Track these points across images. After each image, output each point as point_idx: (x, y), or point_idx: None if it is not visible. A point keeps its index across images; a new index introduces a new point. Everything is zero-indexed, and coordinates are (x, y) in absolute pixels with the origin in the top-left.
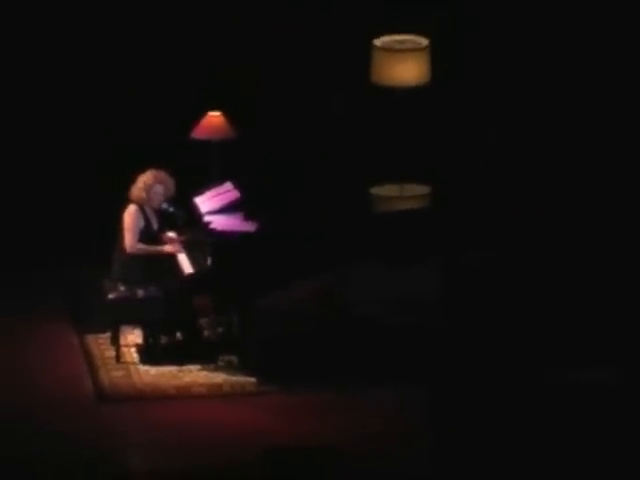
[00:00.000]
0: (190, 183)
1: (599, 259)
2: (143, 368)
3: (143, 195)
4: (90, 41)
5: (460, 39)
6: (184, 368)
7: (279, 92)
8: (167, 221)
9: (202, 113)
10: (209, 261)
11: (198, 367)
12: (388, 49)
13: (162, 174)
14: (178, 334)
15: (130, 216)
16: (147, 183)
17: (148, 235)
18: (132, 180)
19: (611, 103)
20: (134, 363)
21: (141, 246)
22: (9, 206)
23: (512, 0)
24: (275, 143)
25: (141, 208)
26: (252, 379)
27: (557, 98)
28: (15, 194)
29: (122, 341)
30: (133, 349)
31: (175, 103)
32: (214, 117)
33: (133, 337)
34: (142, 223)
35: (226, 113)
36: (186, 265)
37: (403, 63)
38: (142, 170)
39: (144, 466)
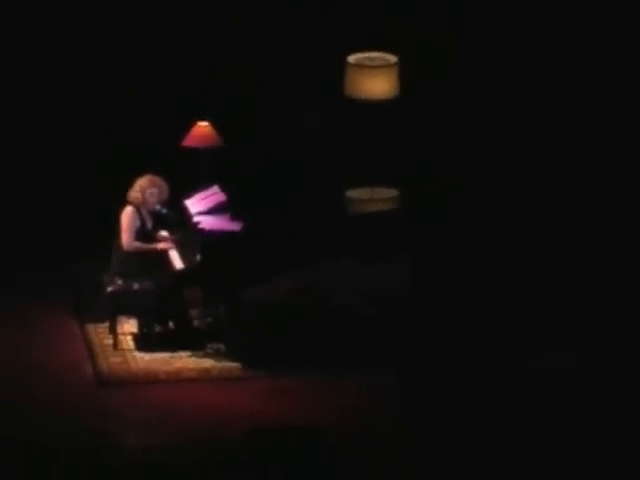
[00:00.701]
0: (181, 187)
1: (556, 251)
2: (138, 354)
3: (139, 197)
4: (91, 47)
5: (427, 57)
6: (175, 355)
7: (263, 105)
8: (160, 221)
9: (192, 123)
10: (198, 257)
11: (188, 354)
12: (360, 65)
13: (157, 179)
14: (170, 324)
15: (127, 217)
16: (143, 187)
17: (143, 234)
18: (129, 183)
19: (583, 110)
20: (130, 350)
21: (137, 244)
22: (15, 206)
23: (475, 23)
24: (259, 151)
25: (137, 209)
26: (238, 364)
27: (515, 108)
28: (21, 196)
29: (119, 330)
30: (129, 337)
31: (168, 114)
32: (202, 127)
33: (129, 326)
34: (138, 223)
35: (213, 123)
36: (177, 261)
37: (374, 78)
38: (139, 175)
39: (138, 443)
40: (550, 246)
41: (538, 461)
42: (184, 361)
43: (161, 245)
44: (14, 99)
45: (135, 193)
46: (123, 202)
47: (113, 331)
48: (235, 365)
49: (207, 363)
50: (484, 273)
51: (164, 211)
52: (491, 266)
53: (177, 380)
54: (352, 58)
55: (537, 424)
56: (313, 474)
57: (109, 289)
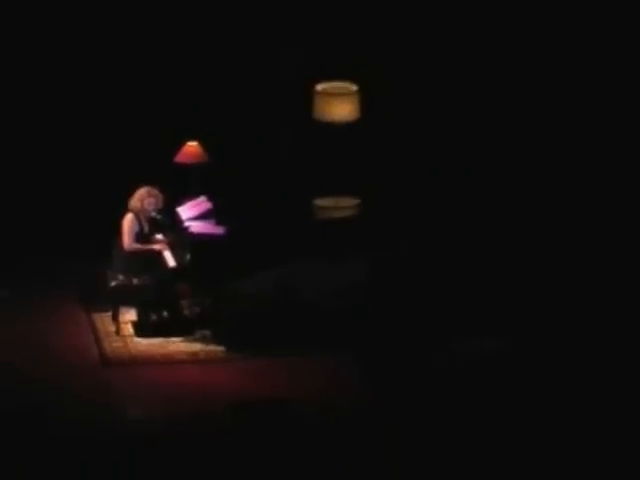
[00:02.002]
0: (174, 197)
1: (490, 241)
2: (137, 339)
3: (139, 205)
4: (102, 78)
5: (383, 85)
6: (169, 340)
7: (244, 127)
8: (156, 226)
9: (183, 143)
10: (188, 257)
11: (179, 339)
12: (326, 93)
13: (154, 190)
14: (164, 313)
15: (128, 222)
16: (142, 196)
17: (141, 237)
18: (130, 194)
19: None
20: (130, 336)
21: (136, 245)
22: (33, 215)
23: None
24: (241, 167)
25: (136, 216)
26: (222, 348)
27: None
28: (37, 206)
29: (121, 319)
30: (129, 325)
31: (163, 136)
32: (191, 146)
33: (129, 315)
34: (137, 228)
35: (201, 143)
36: (170, 260)
37: (338, 104)
38: (138, 186)
39: (136, 414)
40: (486, 236)
41: (473, 435)
42: (176, 345)
43: (156, 246)
44: (30, 112)
45: (135, 202)
46: (123, 210)
47: (115, 319)
48: (219, 348)
49: (195, 347)
50: (428, 267)
51: (159, 217)
52: (434, 261)
53: (170, 362)
54: (319, 86)
55: (474, 400)
56: (283, 439)
57: (112, 283)
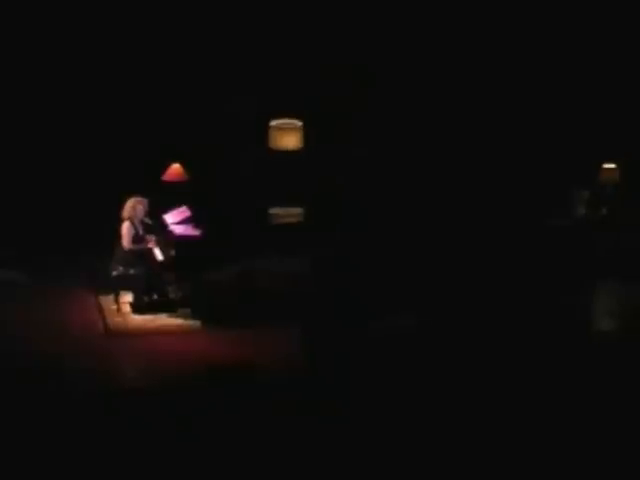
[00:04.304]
0: (161, 206)
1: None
2: (133, 316)
3: (132, 212)
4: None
5: (320, 122)
6: (157, 316)
7: (216, 153)
8: (147, 229)
9: (168, 164)
10: (173, 252)
11: (166, 315)
12: (278, 127)
13: (142, 199)
14: (154, 296)
15: (126, 228)
16: (134, 204)
17: (136, 237)
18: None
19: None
20: (128, 313)
21: (132, 245)
22: (52, 220)
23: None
24: (213, 184)
25: (132, 222)
26: (199, 323)
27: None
28: (56, 214)
29: (120, 300)
30: (127, 305)
31: (154, 159)
32: (175, 167)
33: (127, 297)
34: (133, 231)
35: (183, 164)
36: (159, 255)
37: (287, 136)
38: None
39: (132, 374)
40: (397, 223)
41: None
42: (163, 320)
43: (148, 244)
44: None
45: (129, 210)
46: (120, 218)
47: (116, 301)
48: (197, 323)
49: (178, 321)
50: (356, 261)
51: (149, 221)
52: (361, 256)
53: (158, 333)
54: (273, 122)
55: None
56: (251, 397)
57: (114, 273)
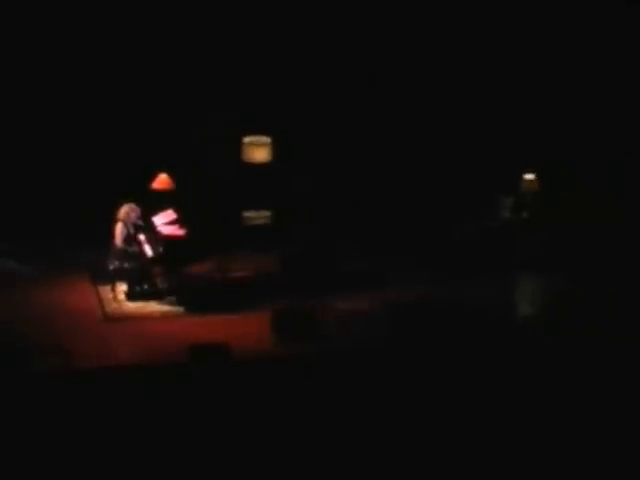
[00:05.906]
0: (151, 211)
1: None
2: (127, 303)
3: (126, 217)
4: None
5: (287, 139)
6: (148, 303)
7: (196, 166)
8: (138, 229)
9: (157, 174)
10: (160, 249)
11: (155, 303)
12: (250, 143)
13: (134, 205)
14: (145, 286)
15: (119, 229)
16: (127, 209)
17: (128, 237)
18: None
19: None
20: (123, 301)
21: (123, 244)
22: (57, 220)
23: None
24: (195, 191)
25: (125, 224)
26: (182, 309)
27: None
28: (60, 214)
29: (117, 289)
30: (122, 294)
31: (146, 168)
32: (163, 177)
33: (122, 287)
34: (125, 232)
35: (170, 174)
36: (149, 251)
37: (257, 150)
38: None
39: (125, 353)
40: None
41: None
42: (153, 307)
43: (139, 242)
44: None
45: (123, 215)
46: (114, 219)
47: (113, 290)
48: (181, 309)
49: (165, 308)
50: (318, 258)
51: (140, 223)
52: (321, 253)
53: (149, 318)
54: (246, 139)
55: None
56: (227, 370)
57: (110, 267)
